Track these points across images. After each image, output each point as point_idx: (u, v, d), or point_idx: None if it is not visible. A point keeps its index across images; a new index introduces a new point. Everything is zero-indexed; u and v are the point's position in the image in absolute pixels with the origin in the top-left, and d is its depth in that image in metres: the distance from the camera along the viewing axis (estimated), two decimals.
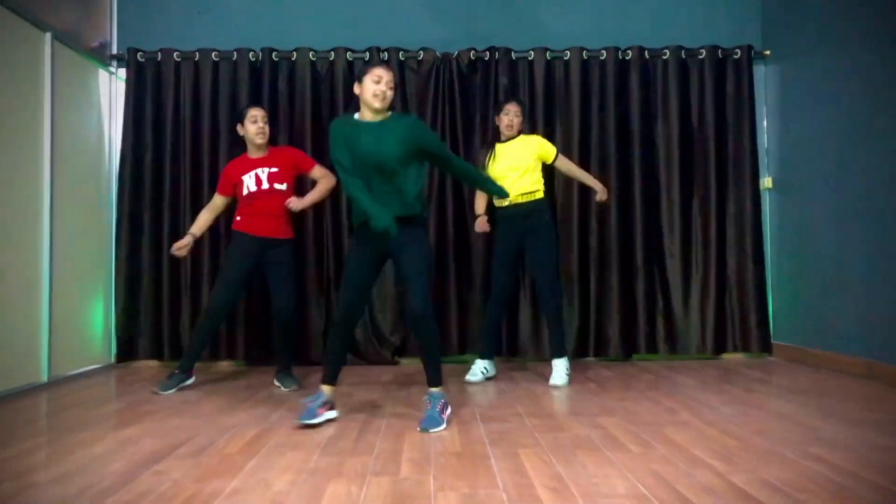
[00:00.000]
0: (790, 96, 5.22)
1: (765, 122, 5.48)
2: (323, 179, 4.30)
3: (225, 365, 5.23)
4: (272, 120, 5.27)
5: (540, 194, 4.38)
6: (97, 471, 2.51)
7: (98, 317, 5.13)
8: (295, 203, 4.17)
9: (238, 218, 4.27)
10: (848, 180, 4.50)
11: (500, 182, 4.18)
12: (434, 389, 3.29)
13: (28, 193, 4.33)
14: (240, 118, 4.27)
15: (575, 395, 3.92)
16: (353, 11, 5.50)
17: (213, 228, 5.18)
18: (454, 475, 2.41)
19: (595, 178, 4.59)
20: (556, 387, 4.16)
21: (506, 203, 4.34)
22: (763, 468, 2.44)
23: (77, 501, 2.19)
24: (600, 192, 4.43)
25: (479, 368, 4.43)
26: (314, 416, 3.16)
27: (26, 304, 4.28)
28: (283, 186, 4.23)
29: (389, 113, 3.26)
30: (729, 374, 4.59)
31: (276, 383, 4.29)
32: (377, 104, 3.16)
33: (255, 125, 4.19)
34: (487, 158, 4.45)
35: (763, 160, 5.45)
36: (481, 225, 4.35)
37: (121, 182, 5.24)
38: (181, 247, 4.21)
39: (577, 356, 5.22)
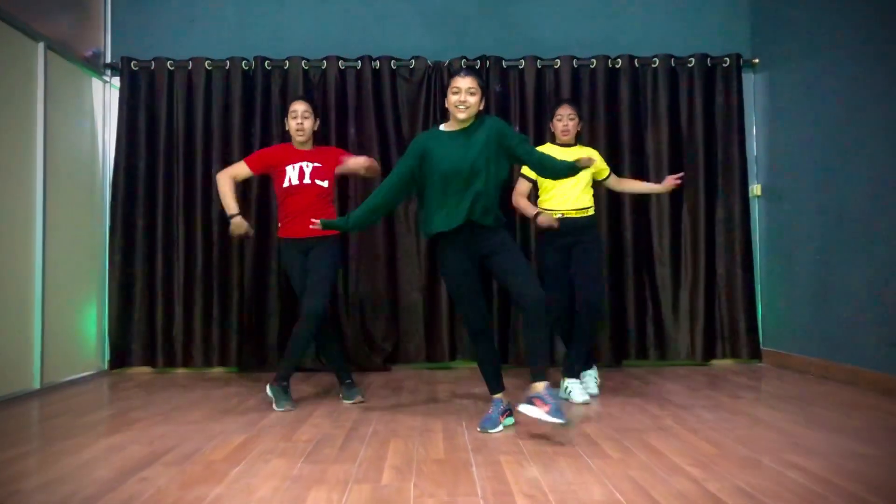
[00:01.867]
0: (778, 104, 5.26)
1: (754, 130, 5.52)
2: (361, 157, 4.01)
3: (217, 372, 5.26)
4: (265, 127, 5.34)
5: (593, 210, 4.14)
6: (82, 478, 2.55)
7: (91, 323, 5.17)
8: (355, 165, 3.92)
9: (280, 225, 4.08)
10: (835, 187, 4.54)
11: (559, 193, 4.04)
12: (538, 385, 3.13)
13: (21, 201, 4.37)
14: (286, 112, 4.12)
15: (564, 403, 3.95)
16: (345, 20, 5.55)
17: (206, 236, 5.24)
18: (435, 482, 2.45)
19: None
20: (587, 403, 3.87)
21: (557, 215, 4.01)
22: (739, 475, 2.47)
23: None
24: (663, 187, 4.17)
25: (593, 380, 4.15)
26: (497, 425, 3.22)
27: (19, 310, 4.33)
28: (325, 184, 4.01)
29: (474, 119, 3.32)
30: (717, 380, 4.63)
31: (340, 397, 4.05)
32: (460, 115, 3.25)
33: (293, 121, 4.02)
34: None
35: (752, 168, 5.49)
36: (548, 219, 3.94)
37: (114, 189, 5.28)
38: (241, 231, 4.01)
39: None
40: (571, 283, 4.10)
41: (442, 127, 3.36)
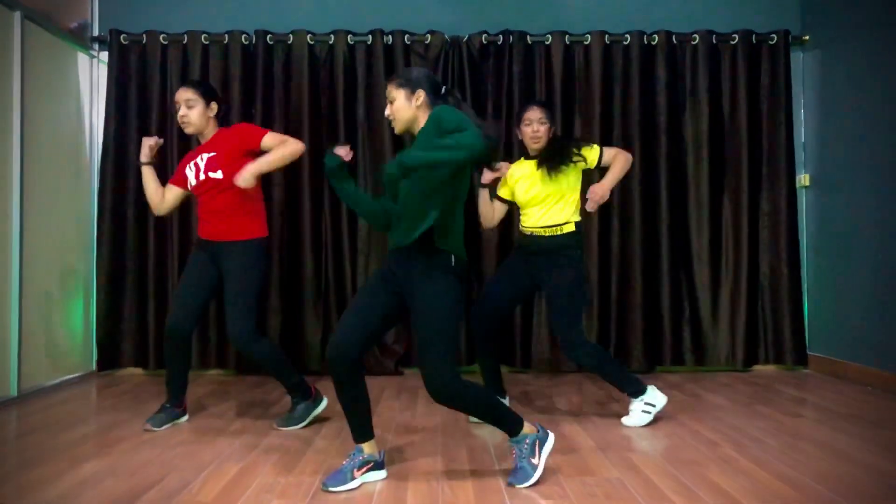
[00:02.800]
0: (831, 86, 4.78)
1: (802, 114, 5.04)
2: (279, 146, 3.31)
3: (214, 374, 4.84)
4: (266, 108, 4.88)
5: (571, 227, 3.45)
6: None
7: (77, 322, 4.73)
8: (243, 176, 3.18)
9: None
10: (894, 178, 4.08)
11: (527, 213, 3.50)
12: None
13: None
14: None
15: (598, 419, 3.51)
16: None
17: None
18: None
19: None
20: (626, 426, 3.38)
21: (526, 231, 3.51)
22: None
23: None
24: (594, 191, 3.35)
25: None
26: (348, 481, 2.51)
27: None
28: (218, 175, 3.32)
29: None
30: (763, 391, 4.19)
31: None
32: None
33: (178, 114, 3.41)
34: (497, 186, 3.58)
35: (800, 156, 5.01)
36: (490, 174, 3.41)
37: (102, 175, 4.83)
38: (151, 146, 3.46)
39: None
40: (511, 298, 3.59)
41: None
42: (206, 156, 3.37)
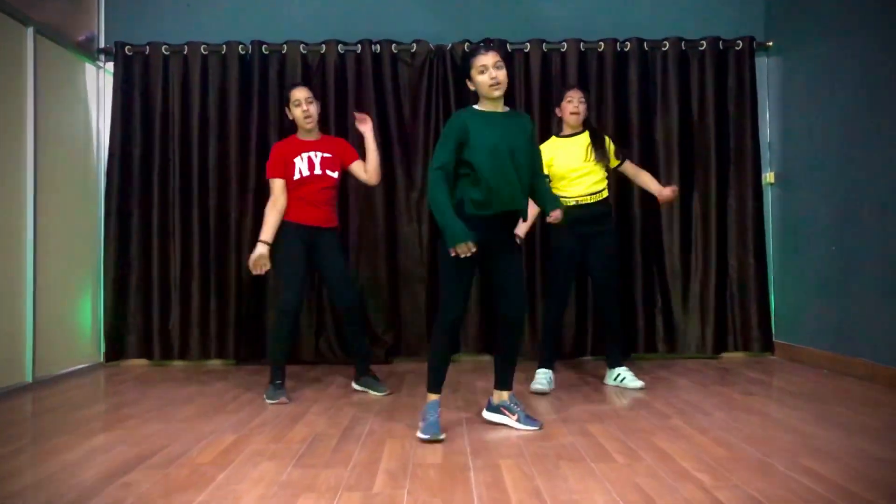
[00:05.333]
0: (793, 88, 5.10)
1: (767, 116, 5.36)
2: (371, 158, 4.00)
3: (215, 364, 5.17)
4: (262, 113, 5.21)
5: (605, 193, 4.12)
6: (63, 482, 2.46)
7: (86, 315, 5.08)
8: (364, 123, 3.95)
9: (287, 209, 3.93)
10: (852, 175, 4.39)
11: (562, 184, 4.06)
12: (504, 393, 3.27)
13: (11, 190, 4.27)
14: (285, 102, 4.00)
15: (567, 397, 3.84)
16: (344, 3, 5.41)
17: (203, 225, 5.15)
18: (429, 490, 2.34)
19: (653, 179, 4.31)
20: (643, 388, 4.03)
21: (571, 203, 4.02)
22: (750, 482, 2.36)
23: None
24: (661, 195, 4.14)
25: (546, 378, 4.04)
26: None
27: (10, 302, 4.23)
28: (335, 175, 3.97)
29: (507, 108, 3.17)
30: (728, 374, 4.50)
31: (359, 387, 4.04)
32: (496, 93, 3.05)
33: (298, 109, 3.91)
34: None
35: (765, 155, 5.33)
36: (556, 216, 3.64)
37: (108, 178, 5.18)
38: (259, 262, 3.76)
39: (574, 356, 5.16)
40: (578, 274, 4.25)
41: (476, 107, 3.16)
42: (321, 154, 3.93)
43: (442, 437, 2.96)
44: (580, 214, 4.00)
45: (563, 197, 4.00)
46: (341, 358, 5.08)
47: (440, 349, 3.16)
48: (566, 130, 4.15)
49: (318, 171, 3.91)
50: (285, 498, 2.28)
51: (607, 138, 4.19)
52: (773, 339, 5.22)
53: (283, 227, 3.90)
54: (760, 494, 2.24)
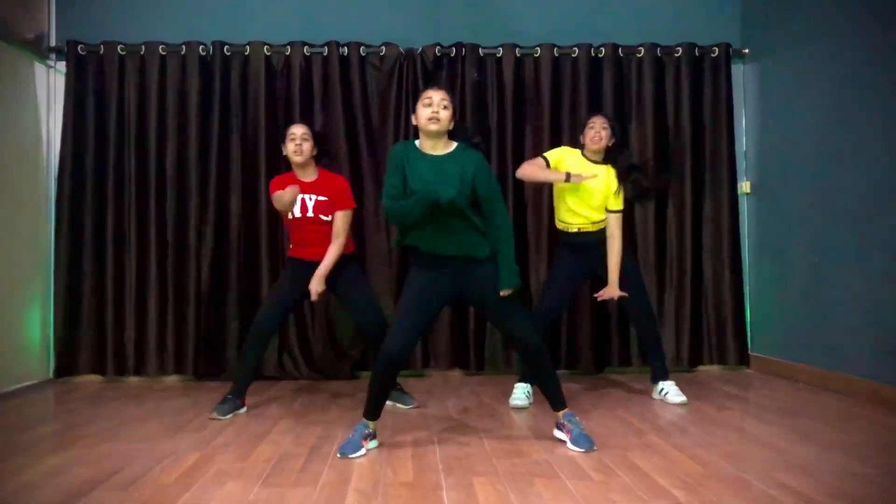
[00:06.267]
0: (769, 97, 5.26)
1: (743, 124, 5.52)
2: (336, 240, 4.03)
3: (172, 380, 5.16)
4: (223, 118, 5.23)
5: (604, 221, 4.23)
6: None
7: (34, 328, 5.04)
8: (317, 288, 3.96)
9: (291, 246, 4.19)
10: (828, 185, 4.55)
11: (575, 214, 4.18)
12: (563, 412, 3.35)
13: None
14: (282, 140, 4.13)
15: (541, 413, 3.92)
16: (310, 3, 5.46)
17: (161, 235, 5.14)
18: None
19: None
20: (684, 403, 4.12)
21: (573, 230, 4.23)
22: (726, 498, 2.45)
23: None
24: (609, 292, 4.20)
25: (524, 392, 4.15)
26: (358, 448, 3.12)
27: None
28: (328, 219, 4.05)
29: (454, 145, 3.26)
30: (703, 388, 4.62)
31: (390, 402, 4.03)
32: (432, 128, 3.16)
33: (292, 143, 4.02)
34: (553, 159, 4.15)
35: (741, 164, 5.49)
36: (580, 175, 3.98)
37: (60, 184, 5.14)
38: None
39: None
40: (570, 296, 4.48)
41: (416, 143, 3.27)
42: (314, 197, 4.03)
43: (353, 456, 3.07)
44: (582, 241, 4.23)
45: (563, 223, 4.27)
46: (305, 374, 5.11)
47: (375, 379, 3.23)
48: (588, 155, 4.21)
49: (310, 213, 4.03)
50: None
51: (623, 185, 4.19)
52: (749, 352, 5.36)
53: (290, 262, 4.19)
54: None
